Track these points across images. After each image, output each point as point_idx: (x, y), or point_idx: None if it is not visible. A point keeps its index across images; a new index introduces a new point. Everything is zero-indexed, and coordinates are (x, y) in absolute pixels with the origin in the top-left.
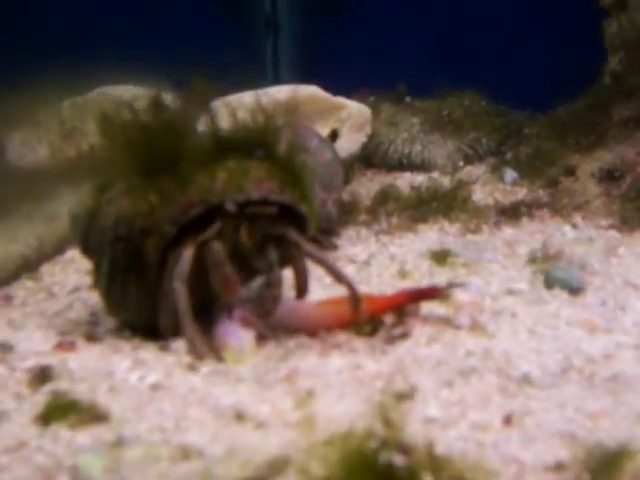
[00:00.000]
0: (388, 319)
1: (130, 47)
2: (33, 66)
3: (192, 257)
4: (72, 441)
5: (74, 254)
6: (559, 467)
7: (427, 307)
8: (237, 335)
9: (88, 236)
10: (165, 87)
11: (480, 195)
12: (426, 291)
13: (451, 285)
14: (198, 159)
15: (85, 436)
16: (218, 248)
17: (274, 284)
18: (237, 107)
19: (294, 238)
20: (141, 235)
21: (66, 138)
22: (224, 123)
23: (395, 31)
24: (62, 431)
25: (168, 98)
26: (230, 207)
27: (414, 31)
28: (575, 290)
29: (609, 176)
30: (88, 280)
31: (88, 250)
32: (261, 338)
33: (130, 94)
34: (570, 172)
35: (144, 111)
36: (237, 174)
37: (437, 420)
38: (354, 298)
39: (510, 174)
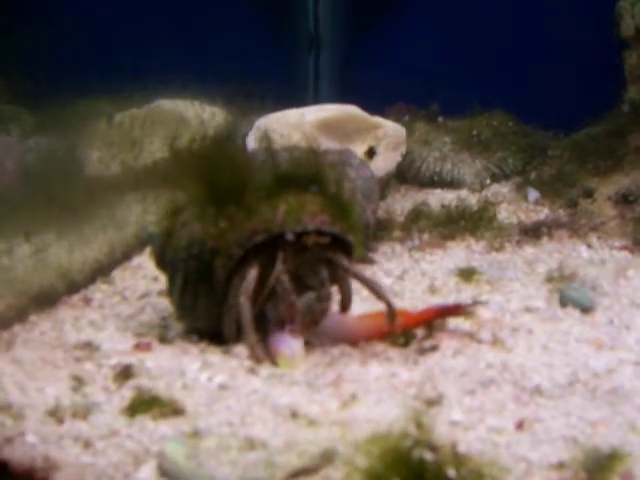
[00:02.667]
0: (419, 332)
1: (181, 63)
2: (90, 80)
3: (256, 276)
4: (155, 431)
5: (141, 260)
6: (561, 466)
7: (454, 322)
8: (288, 344)
9: (163, 253)
10: (215, 101)
11: (505, 213)
12: (452, 308)
13: (474, 303)
14: (261, 192)
15: (166, 427)
16: (287, 285)
17: (324, 299)
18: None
19: (342, 262)
20: (211, 255)
21: (126, 149)
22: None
23: (429, 51)
24: (147, 422)
25: (218, 113)
26: (290, 237)
27: (447, 53)
28: (586, 309)
29: (624, 200)
30: (156, 286)
31: (163, 265)
32: (308, 345)
33: (186, 109)
34: (588, 194)
35: (213, 147)
36: (295, 207)
37: (460, 423)
38: (391, 313)
39: (533, 194)
